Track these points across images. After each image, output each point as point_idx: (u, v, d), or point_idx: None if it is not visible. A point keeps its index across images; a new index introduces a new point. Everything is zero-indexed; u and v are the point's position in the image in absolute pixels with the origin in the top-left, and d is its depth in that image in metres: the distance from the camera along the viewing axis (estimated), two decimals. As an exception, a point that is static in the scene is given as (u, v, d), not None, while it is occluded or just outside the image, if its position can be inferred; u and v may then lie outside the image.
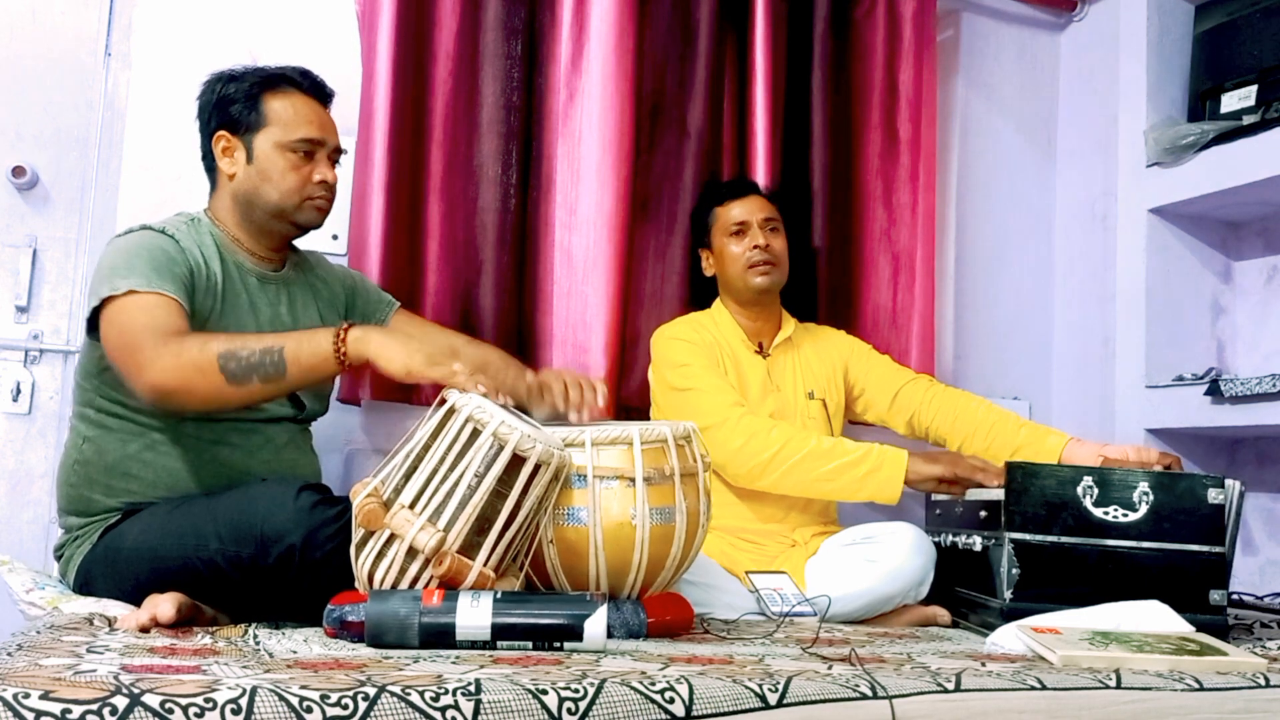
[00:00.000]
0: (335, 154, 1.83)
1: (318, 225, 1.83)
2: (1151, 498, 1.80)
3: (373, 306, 2.00)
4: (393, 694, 0.99)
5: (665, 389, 2.21)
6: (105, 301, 1.62)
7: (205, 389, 1.55)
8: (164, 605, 1.44)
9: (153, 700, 0.91)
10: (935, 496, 2.19)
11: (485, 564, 1.42)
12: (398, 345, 1.58)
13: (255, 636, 1.40)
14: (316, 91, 1.82)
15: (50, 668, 1.04)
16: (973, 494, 2.00)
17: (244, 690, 0.95)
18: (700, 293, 2.42)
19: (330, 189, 1.81)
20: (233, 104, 1.77)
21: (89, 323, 1.67)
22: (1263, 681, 1.36)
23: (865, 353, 2.40)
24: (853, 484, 2.04)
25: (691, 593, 1.77)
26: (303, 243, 1.94)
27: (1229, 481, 1.85)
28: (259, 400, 1.63)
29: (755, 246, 2.25)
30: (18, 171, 2.14)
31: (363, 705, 0.97)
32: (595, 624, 1.33)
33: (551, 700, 1.03)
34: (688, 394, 2.14)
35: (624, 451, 1.56)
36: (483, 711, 1.00)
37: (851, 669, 1.26)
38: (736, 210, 2.29)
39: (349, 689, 0.98)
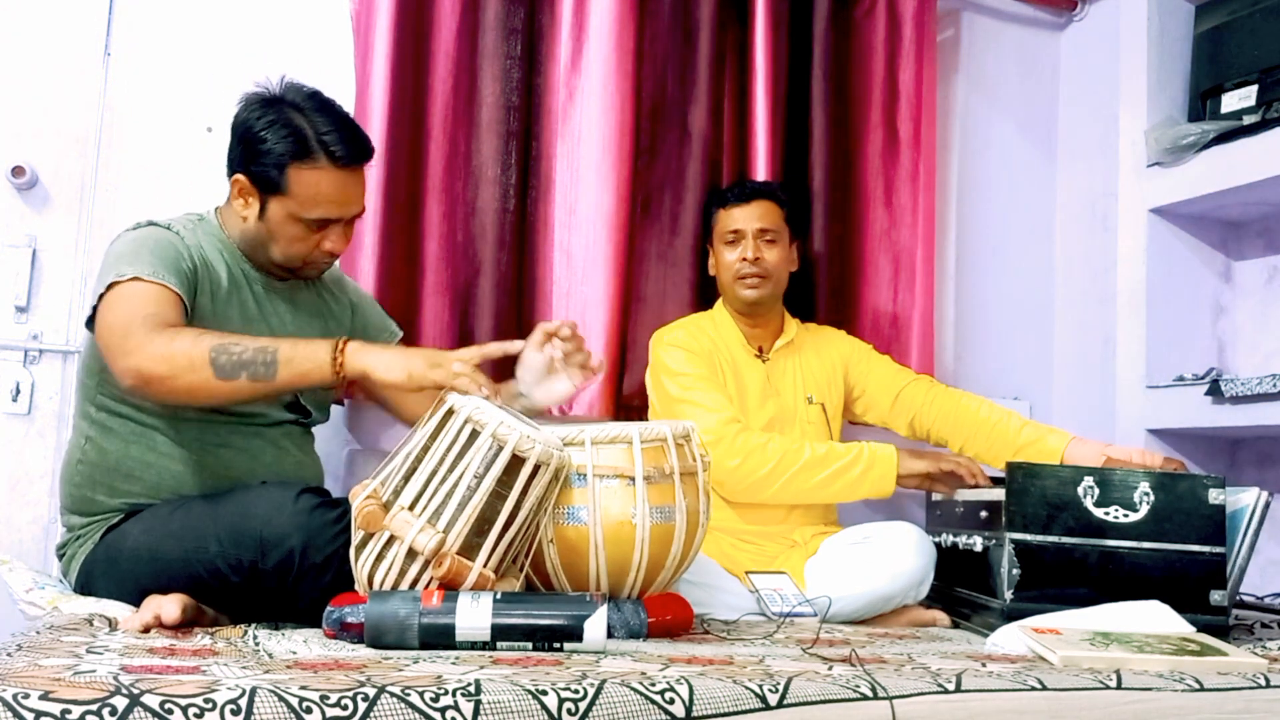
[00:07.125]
0: (354, 218, 1.79)
1: (314, 278, 1.86)
2: (1152, 498, 1.80)
3: (372, 332, 1.96)
4: (392, 694, 0.98)
5: (663, 396, 2.21)
6: (108, 289, 1.61)
7: (190, 380, 1.52)
8: (169, 606, 1.44)
9: (152, 701, 0.91)
10: (935, 497, 2.19)
11: (485, 565, 1.42)
12: (396, 354, 1.59)
13: (255, 637, 1.40)
14: (349, 158, 1.70)
15: (50, 668, 1.04)
16: (971, 494, 2.00)
17: (243, 691, 0.94)
18: (708, 290, 2.42)
19: (336, 255, 1.79)
20: (260, 157, 1.67)
21: (92, 312, 1.64)
22: (1263, 682, 1.36)
23: (865, 353, 2.40)
24: (849, 486, 2.09)
25: (691, 593, 1.77)
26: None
27: (1254, 490, 1.85)
28: (244, 399, 1.61)
29: (744, 259, 2.25)
30: (18, 171, 2.14)
31: (362, 706, 0.97)
32: (595, 624, 1.33)
33: (551, 701, 1.03)
34: (684, 405, 2.14)
35: (624, 450, 1.56)
36: (482, 712, 1.00)
37: (852, 669, 1.26)
38: (734, 217, 2.28)
39: (349, 689, 0.98)
